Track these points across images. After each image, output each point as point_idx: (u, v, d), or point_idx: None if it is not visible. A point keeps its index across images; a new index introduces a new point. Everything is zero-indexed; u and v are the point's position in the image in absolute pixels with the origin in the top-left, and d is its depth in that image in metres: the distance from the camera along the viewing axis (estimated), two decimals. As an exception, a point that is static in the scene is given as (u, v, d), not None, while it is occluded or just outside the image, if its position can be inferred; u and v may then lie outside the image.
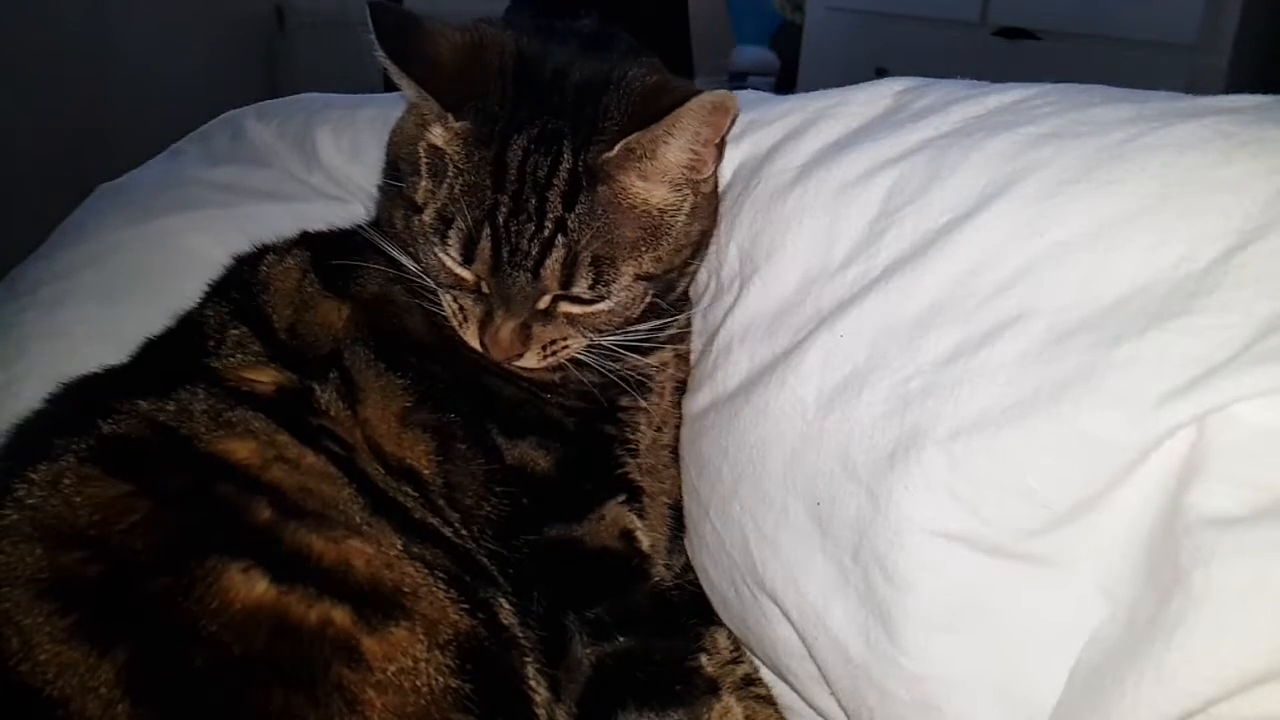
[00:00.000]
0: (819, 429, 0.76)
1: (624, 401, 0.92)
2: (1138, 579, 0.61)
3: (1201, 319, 0.61)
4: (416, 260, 0.87)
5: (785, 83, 3.62)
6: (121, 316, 0.98)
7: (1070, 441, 0.63)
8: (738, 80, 3.66)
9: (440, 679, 0.70)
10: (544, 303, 0.83)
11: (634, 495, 0.89)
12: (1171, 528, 0.59)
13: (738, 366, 0.86)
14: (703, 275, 0.94)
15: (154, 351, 0.89)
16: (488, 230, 0.81)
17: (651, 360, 0.94)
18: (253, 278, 0.92)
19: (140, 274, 1.05)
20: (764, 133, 0.93)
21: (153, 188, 1.19)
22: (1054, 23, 2.72)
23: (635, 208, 0.83)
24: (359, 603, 0.71)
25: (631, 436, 0.92)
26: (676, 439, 0.96)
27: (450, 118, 0.82)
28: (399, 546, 0.75)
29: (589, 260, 0.81)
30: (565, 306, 0.84)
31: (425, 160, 0.84)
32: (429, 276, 0.86)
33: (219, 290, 0.93)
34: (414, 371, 0.85)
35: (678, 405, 0.96)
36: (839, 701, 0.74)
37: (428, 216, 0.83)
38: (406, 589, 0.73)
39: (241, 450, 0.76)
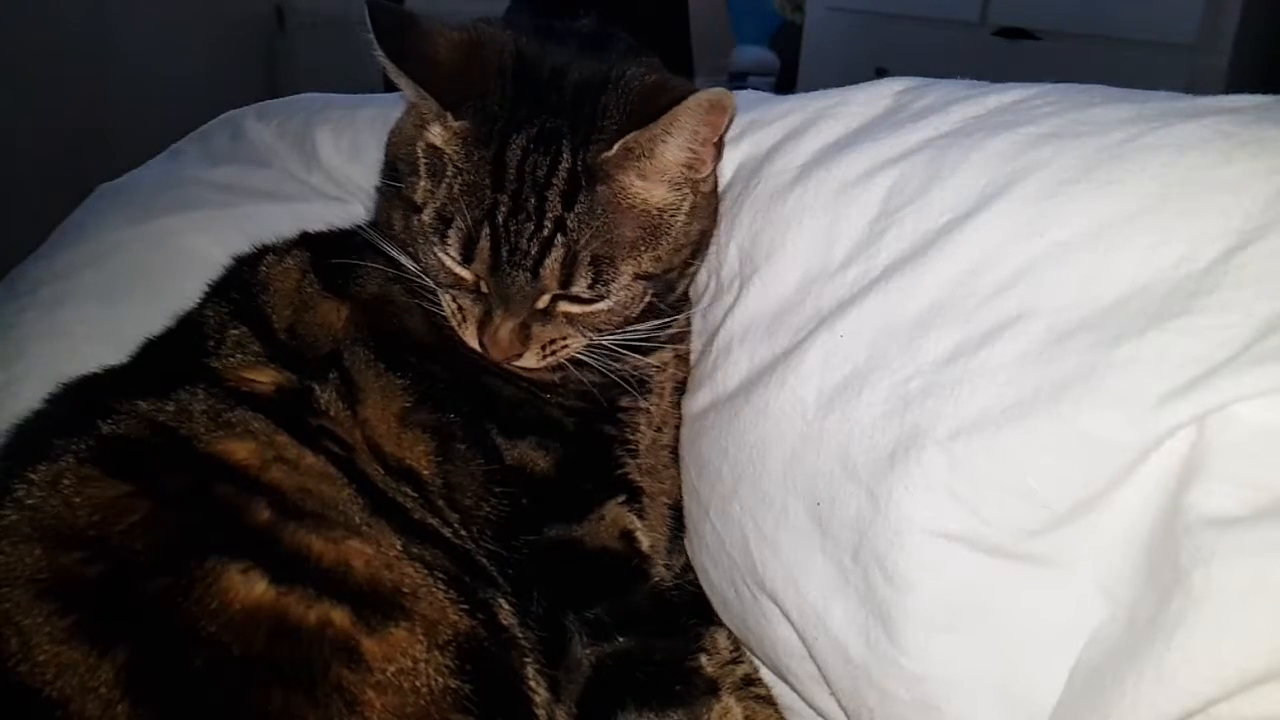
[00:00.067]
0: (819, 429, 0.76)
1: (624, 402, 0.92)
2: (1138, 579, 0.61)
3: (1201, 319, 0.61)
4: (416, 260, 0.86)
5: (785, 83, 3.62)
6: (121, 316, 0.98)
7: (1070, 441, 0.63)
8: (738, 80, 3.66)
9: (440, 679, 0.70)
10: (543, 302, 0.83)
11: (634, 495, 0.89)
12: (1171, 528, 0.59)
13: (738, 366, 0.86)
14: (703, 275, 0.94)
15: (154, 352, 0.89)
16: (487, 230, 0.81)
17: (652, 360, 0.94)
18: (252, 278, 0.92)
19: (140, 274, 1.05)
20: (764, 133, 0.93)
21: (153, 188, 1.19)
22: (1054, 23, 2.72)
23: (634, 207, 0.83)
24: (358, 603, 0.71)
25: (631, 437, 0.92)
26: (676, 439, 0.96)
27: (449, 117, 0.82)
28: (398, 547, 0.75)
29: (588, 260, 0.81)
30: (564, 306, 0.84)
31: (424, 160, 0.84)
32: (428, 276, 0.86)
33: (219, 290, 0.93)
34: (413, 372, 0.85)
35: (678, 405, 0.96)
36: (839, 702, 0.74)
37: (427, 216, 0.83)
38: (406, 589, 0.73)
39: (241, 451, 0.76)
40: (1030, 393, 0.65)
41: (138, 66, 2.57)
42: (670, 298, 0.91)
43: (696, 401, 0.91)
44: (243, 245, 0.98)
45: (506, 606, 0.78)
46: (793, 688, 0.83)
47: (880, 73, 0.99)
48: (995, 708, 0.65)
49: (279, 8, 3.00)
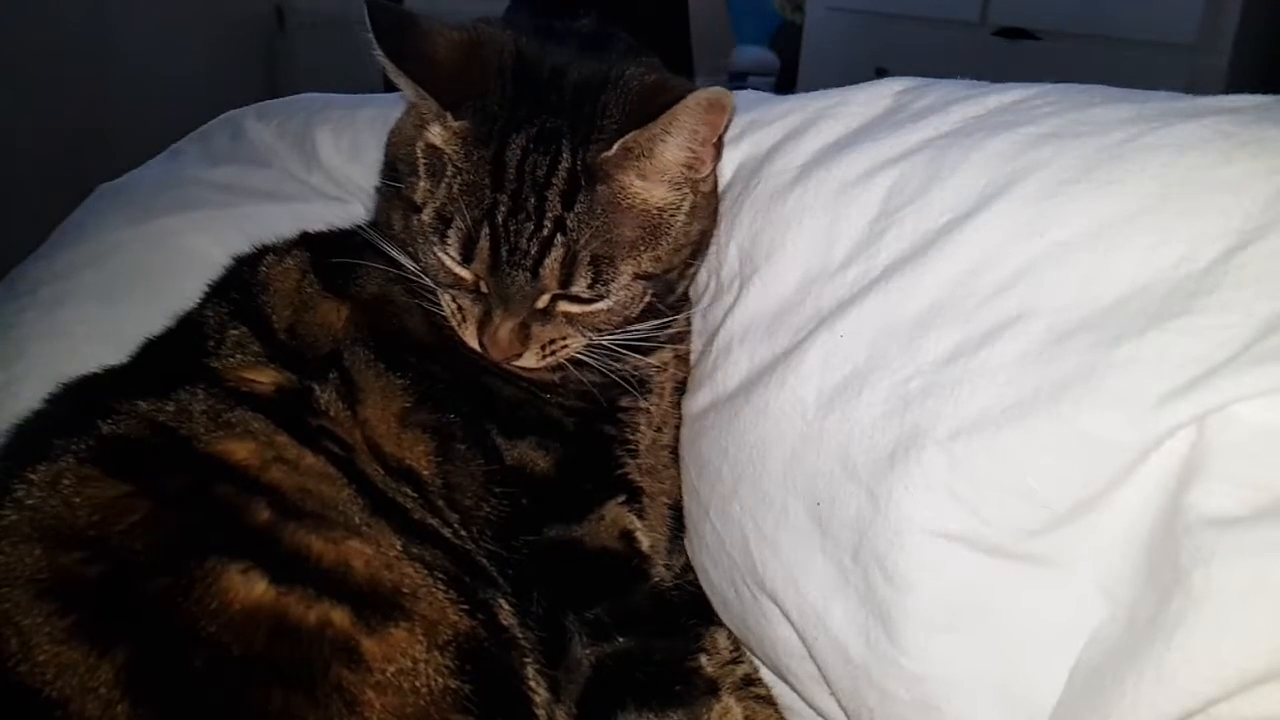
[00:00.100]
0: (819, 429, 0.76)
1: (624, 402, 0.92)
2: (1138, 579, 0.61)
3: (1201, 319, 0.61)
4: (416, 260, 0.86)
5: (785, 83, 3.62)
6: (121, 316, 0.98)
7: (1070, 441, 0.63)
8: (738, 80, 3.65)
9: (440, 680, 0.70)
10: (543, 302, 0.83)
11: (634, 495, 0.89)
12: (1171, 528, 0.59)
13: (738, 366, 0.86)
14: (703, 275, 0.94)
15: (154, 352, 0.89)
16: (486, 229, 0.80)
17: (652, 360, 0.94)
18: (252, 278, 0.92)
19: (140, 274, 1.05)
20: (764, 133, 0.93)
21: (153, 188, 1.19)
22: (1054, 23, 2.72)
23: (634, 207, 0.83)
24: (358, 603, 0.71)
25: (631, 437, 0.92)
26: (676, 439, 0.96)
27: (449, 116, 0.82)
28: (398, 547, 0.75)
29: (588, 259, 0.81)
30: (564, 306, 0.84)
31: (423, 160, 0.84)
32: (428, 276, 0.86)
33: (219, 291, 0.93)
34: (413, 372, 0.85)
35: (678, 405, 0.96)
36: (839, 702, 0.74)
37: (426, 216, 0.83)
38: (406, 590, 0.73)
39: (241, 451, 0.76)
40: (1030, 393, 0.65)
41: (138, 66, 2.57)
42: (670, 298, 0.91)
43: (696, 401, 0.91)
44: (243, 245, 0.98)
45: (506, 607, 0.78)
46: (793, 688, 0.83)
47: (880, 73, 0.99)
48: (995, 708, 0.65)
49: (279, 8, 3.00)
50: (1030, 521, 0.65)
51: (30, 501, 0.71)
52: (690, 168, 0.85)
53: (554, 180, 0.81)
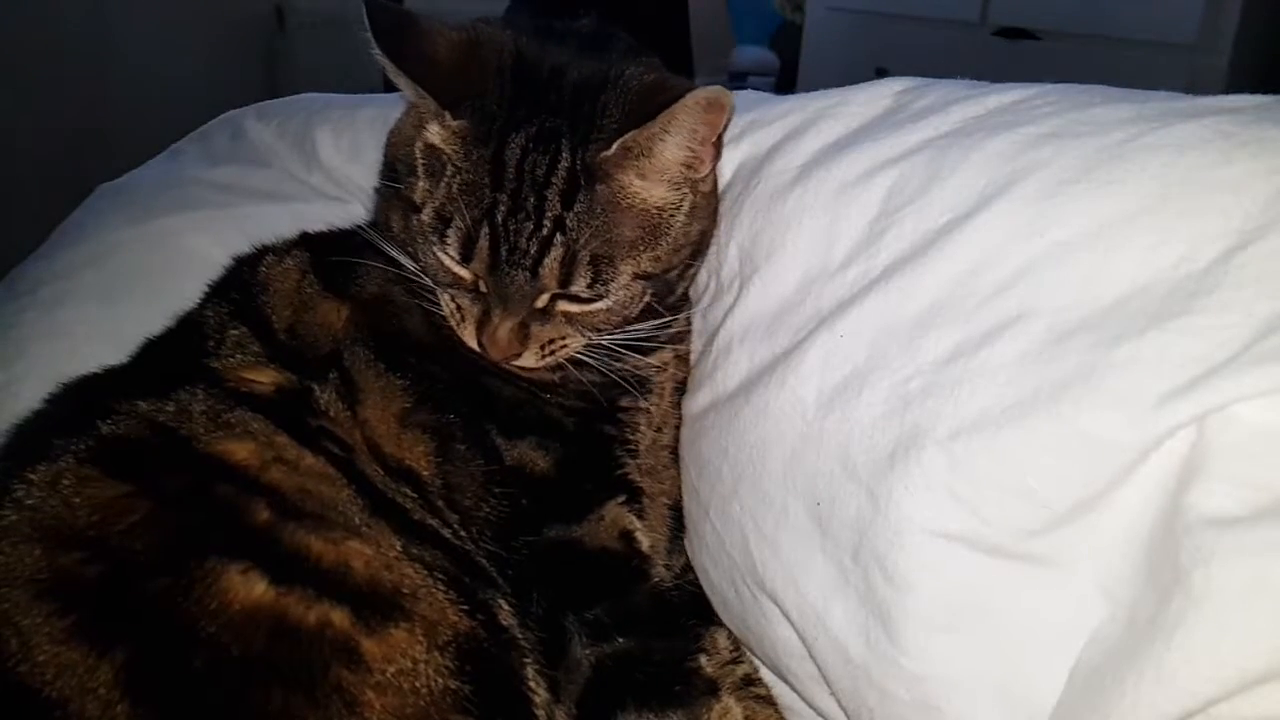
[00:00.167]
0: (819, 429, 0.76)
1: (624, 402, 0.92)
2: (1138, 579, 0.61)
3: (1201, 319, 0.61)
4: (415, 260, 0.86)
5: (785, 83, 3.62)
6: (121, 316, 0.98)
7: (1070, 441, 0.63)
8: (738, 80, 3.65)
9: (439, 680, 0.70)
10: (542, 301, 0.83)
11: (634, 496, 0.89)
12: (1171, 528, 0.59)
13: (738, 367, 0.85)
14: (703, 275, 0.94)
15: (153, 352, 0.89)
16: (486, 229, 0.80)
17: (652, 360, 0.94)
18: (252, 278, 0.92)
19: (140, 274, 1.05)
20: (764, 133, 0.93)
21: (153, 188, 1.19)
22: (1054, 23, 2.72)
23: (634, 207, 0.83)
24: (358, 604, 0.71)
25: (631, 437, 0.92)
26: (676, 439, 0.96)
27: (447, 116, 0.82)
28: (398, 548, 0.75)
29: (587, 259, 0.81)
30: (563, 305, 0.84)
31: (422, 160, 0.84)
32: (427, 276, 0.86)
33: (218, 291, 0.93)
34: (413, 372, 0.85)
35: (677, 406, 0.96)
36: (839, 702, 0.74)
37: (426, 216, 0.83)
38: (406, 590, 0.73)
39: (240, 451, 0.76)
40: (1030, 393, 0.65)
41: (138, 66, 2.57)
42: (670, 298, 0.91)
43: (696, 401, 0.91)
44: (243, 245, 0.98)
45: (506, 607, 0.78)
46: (793, 688, 0.83)
47: (880, 73, 0.99)
48: (995, 708, 0.65)
49: (279, 8, 3.00)
50: (1030, 521, 0.64)
51: (30, 502, 0.71)
52: (689, 167, 0.85)
53: (553, 180, 0.81)
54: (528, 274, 0.81)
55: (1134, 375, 0.62)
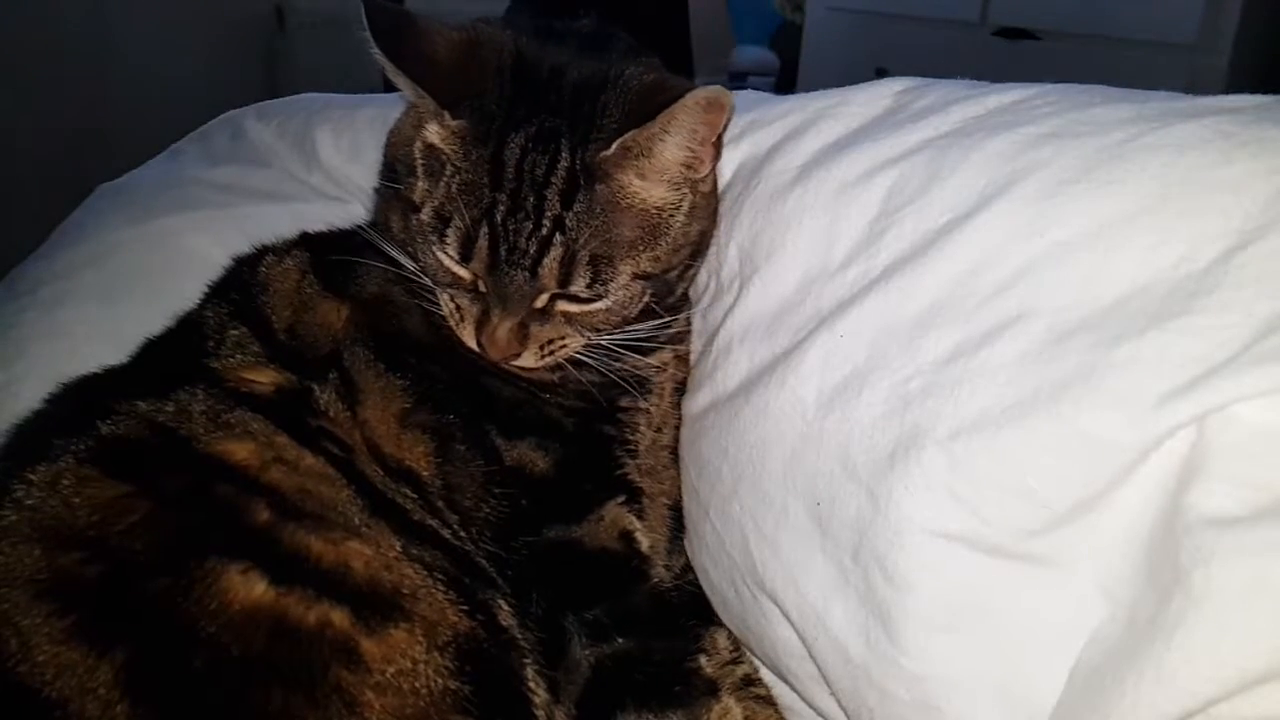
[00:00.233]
0: (819, 429, 0.76)
1: (623, 402, 0.92)
2: (1138, 579, 0.61)
3: (1201, 319, 0.61)
4: (415, 260, 0.86)
5: (785, 83, 3.62)
6: (121, 316, 0.98)
7: (1070, 441, 0.63)
8: (738, 80, 3.65)
9: (439, 680, 0.70)
10: (541, 301, 0.83)
11: (633, 496, 0.89)
12: (1171, 528, 0.59)
13: (737, 367, 0.85)
14: (703, 275, 0.94)
15: (153, 352, 0.89)
16: (485, 229, 0.80)
17: (651, 360, 0.94)
18: (252, 278, 0.92)
19: (140, 274, 1.05)
20: (764, 133, 0.93)
21: (153, 188, 1.19)
22: (1054, 23, 2.72)
23: (633, 207, 0.83)
24: (358, 604, 0.71)
25: (631, 437, 0.92)
26: (676, 440, 0.96)
27: (447, 115, 0.82)
28: (398, 548, 0.75)
29: (587, 259, 0.81)
30: (563, 305, 0.84)
31: (421, 160, 0.84)
32: (427, 276, 0.86)
33: (218, 291, 0.93)
34: (413, 372, 0.85)
35: (677, 406, 0.96)
36: (839, 702, 0.74)
37: (425, 215, 0.83)
38: (405, 590, 0.73)
39: (240, 451, 0.76)
40: (1030, 393, 0.65)
41: (138, 66, 2.57)
42: (670, 298, 0.91)
43: (696, 402, 0.91)
44: (243, 245, 0.98)
45: (506, 607, 0.78)
46: (793, 688, 0.83)
47: (880, 73, 0.99)
48: (995, 708, 0.65)
49: (279, 8, 3.00)
50: (1030, 521, 0.64)
51: (30, 502, 0.71)
52: (689, 167, 0.85)
53: (553, 179, 0.81)
54: (527, 274, 0.81)
55: (1134, 375, 0.62)
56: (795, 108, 0.93)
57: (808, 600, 0.75)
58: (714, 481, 0.85)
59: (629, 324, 0.88)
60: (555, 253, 0.80)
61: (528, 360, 0.85)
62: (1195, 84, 1.02)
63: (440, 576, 0.75)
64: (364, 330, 0.87)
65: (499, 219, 0.80)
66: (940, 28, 2.98)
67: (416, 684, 0.69)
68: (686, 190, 0.86)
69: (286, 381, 0.83)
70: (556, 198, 0.80)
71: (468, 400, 0.86)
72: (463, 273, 0.83)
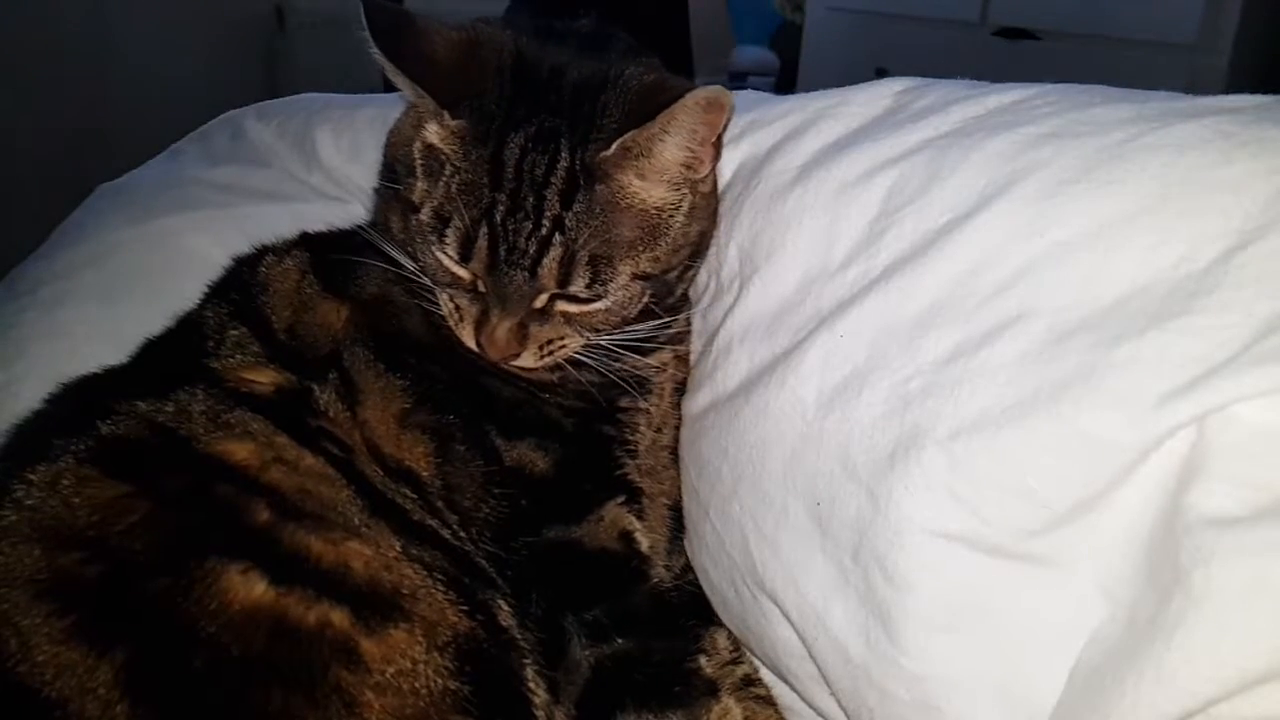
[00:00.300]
0: (819, 429, 0.76)
1: (623, 402, 0.92)
2: (1138, 579, 0.61)
3: (1201, 319, 0.61)
4: (414, 260, 0.86)
5: (785, 83, 3.62)
6: (121, 316, 0.98)
7: (1070, 441, 0.63)
8: (738, 80, 3.65)
9: (439, 681, 0.70)
10: (540, 301, 0.83)
11: (633, 496, 0.89)
12: (1171, 528, 0.59)
13: (737, 367, 0.85)
14: (703, 275, 0.94)
15: (153, 352, 0.89)
16: (485, 229, 0.80)
17: (651, 361, 0.94)
18: (252, 279, 0.92)
19: (140, 274, 1.05)
20: (764, 133, 0.93)
21: (153, 188, 1.19)
22: (1054, 23, 2.72)
23: (633, 207, 0.83)
24: (358, 604, 0.71)
25: (631, 437, 0.92)
26: (676, 440, 0.96)
27: (446, 115, 0.82)
28: (397, 548, 0.75)
29: (586, 259, 0.81)
30: (562, 305, 0.84)
31: (420, 160, 0.84)
32: (426, 276, 0.86)
33: (218, 291, 0.93)
34: (413, 373, 0.85)
35: (677, 406, 0.96)
36: (839, 702, 0.74)
37: (424, 215, 0.83)
38: (405, 590, 0.73)
39: (240, 451, 0.76)
40: (1030, 393, 0.65)
41: (138, 66, 2.57)
42: (669, 299, 0.91)
43: (696, 402, 0.91)
44: (243, 245, 0.98)
45: (506, 608, 0.78)
46: (793, 688, 0.83)
47: (880, 73, 0.99)
48: (995, 708, 0.65)
49: (279, 8, 3.00)
50: (1030, 521, 0.64)
51: (30, 502, 0.71)
52: (689, 167, 0.85)
53: (552, 179, 0.80)
54: (526, 274, 0.81)
55: (1134, 375, 0.62)
56: (795, 108, 0.93)
57: (808, 600, 0.75)
58: (714, 481, 0.85)
59: (628, 324, 0.88)
60: (555, 253, 0.80)
61: (527, 360, 0.85)
62: (1195, 84, 1.02)
63: (440, 577, 0.75)
64: (364, 330, 0.87)
65: (498, 219, 0.80)
66: (940, 28, 2.98)
67: (416, 684, 0.69)
68: (686, 190, 0.86)
69: (286, 382, 0.83)
70: (556, 198, 0.80)
71: (467, 400, 0.86)
72: (462, 273, 0.83)
